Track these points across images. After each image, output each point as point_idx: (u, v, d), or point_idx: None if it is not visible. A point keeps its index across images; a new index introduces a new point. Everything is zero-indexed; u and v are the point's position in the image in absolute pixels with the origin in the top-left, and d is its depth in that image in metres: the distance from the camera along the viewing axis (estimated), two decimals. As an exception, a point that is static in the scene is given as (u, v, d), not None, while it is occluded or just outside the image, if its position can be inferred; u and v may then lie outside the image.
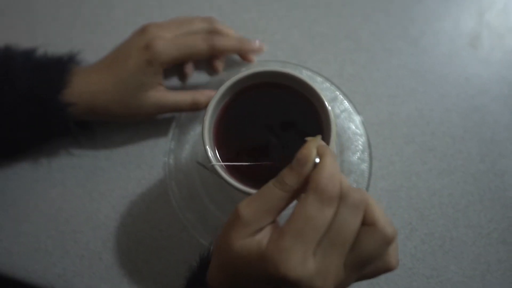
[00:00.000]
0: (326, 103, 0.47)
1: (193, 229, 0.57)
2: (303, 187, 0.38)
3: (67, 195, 0.62)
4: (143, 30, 0.59)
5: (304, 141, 0.40)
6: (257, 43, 0.62)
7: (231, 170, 0.49)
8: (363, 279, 0.40)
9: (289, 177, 0.38)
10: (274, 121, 0.50)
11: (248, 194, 0.46)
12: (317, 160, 0.39)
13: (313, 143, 0.39)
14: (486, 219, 0.59)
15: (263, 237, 0.38)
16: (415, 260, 0.58)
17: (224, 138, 0.50)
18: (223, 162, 0.49)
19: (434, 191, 0.60)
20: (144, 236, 0.60)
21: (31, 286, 0.59)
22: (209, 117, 0.48)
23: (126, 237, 0.60)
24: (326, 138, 0.47)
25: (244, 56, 0.63)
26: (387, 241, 0.38)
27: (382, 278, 0.58)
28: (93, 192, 0.62)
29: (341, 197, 0.37)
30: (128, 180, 0.62)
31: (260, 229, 0.38)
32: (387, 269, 0.39)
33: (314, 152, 0.39)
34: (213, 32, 0.61)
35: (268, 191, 0.39)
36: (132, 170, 0.62)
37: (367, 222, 0.38)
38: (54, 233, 0.60)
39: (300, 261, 0.36)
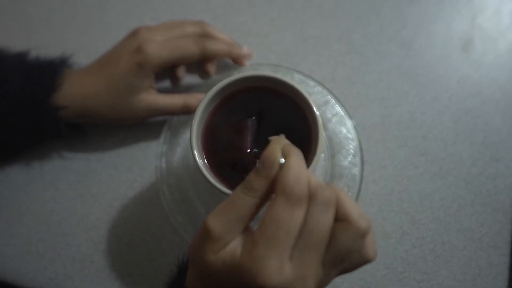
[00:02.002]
0: (314, 108, 0.47)
1: (184, 232, 0.57)
2: (272, 188, 0.38)
3: (58, 198, 0.62)
4: (134, 33, 0.59)
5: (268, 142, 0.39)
6: (245, 49, 0.63)
7: (219, 174, 0.49)
8: (343, 273, 0.39)
9: (257, 182, 0.37)
10: (263, 125, 0.50)
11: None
12: (283, 160, 0.38)
13: (277, 144, 0.38)
14: (477, 223, 0.59)
15: (236, 247, 0.37)
16: (406, 264, 0.58)
17: (213, 143, 0.49)
18: (210, 166, 0.49)
19: (426, 195, 0.60)
20: (136, 239, 0.60)
21: (22, 289, 0.59)
22: (197, 121, 0.48)
23: (117, 239, 0.60)
24: (314, 143, 0.47)
25: (235, 59, 0.63)
26: (361, 235, 0.37)
27: (373, 282, 0.58)
28: (85, 195, 0.62)
29: (311, 196, 0.36)
30: (119, 182, 0.62)
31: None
32: (366, 261, 0.39)
33: (279, 153, 0.38)
34: (204, 35, 0.61)
35: (237, 199, 0.37)
36: (124, 172, 0.62)
37: (340, 218, 0.37)
38: (46, 235, 0.61)
39: (276, 268, 0.35)
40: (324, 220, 0.36)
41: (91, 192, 0.62)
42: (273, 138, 0.39)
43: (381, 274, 0.58)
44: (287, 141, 0.39)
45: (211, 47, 0.59)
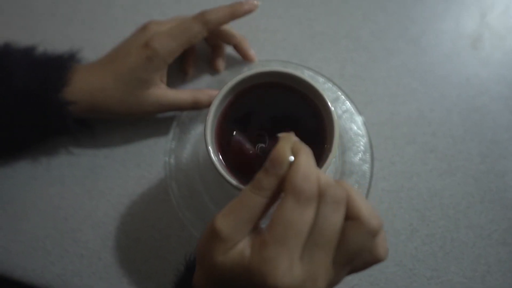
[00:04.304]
0: (329, 104, 0.47)
1: (192, 228, 0.56)
2: (281, 187, 0.37)
3: (66, 194, 0.61)
4: (144, 28, 0.59)
5: (277, 139, 0.38)
6: (248, 2, 0.60)
7: (232, 171, 0.48)
8: (353, 272, 0.39)
9: (266, 181, 0.37)
10: (276, 121, 0.50)
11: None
12: (292, 158, 0.37)
13: (286, 142, 0.38)
14: (486, 220, 0.59)
15: (244, 247, 0.36)
16: (415, 261, 0.58)
17: (226, 139, 0.49)
18: (224, 162, 0.48)
19: (435, 192, 0.60)
20: (144, 235, 0.60)
21: (30, 286, 0.59)
22: (211, 117, 0.47)
23: (125, 236, 0.60)
24: (330, 139, 0.46)
25: (245, 55, 0.63)
26: (373, 233, 0.36)
27: (382, 279, 0.58)
28: (92, 191, 0.61)
29: (320, 195, 0.36)
30: (127, 178, 0.62)
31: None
32: (376, 260, 0.38)
33: (288, 151, 0.37)
34: (202, 11, 0.58)
35: (246, 198, 0.37)
36: (132, 169, 0.62)
37: (350, 216, 0.36)
38: (53, 232, 0.60)
39: (287, 269, 0.34)
40: (334, 219, 0.36)
41: (98, 188, 0.61)
42: (282, 135, 0.39)
43: (390, 271, 0.58)
44: (296, 139, 0.39)
45: (212, 16, 0.57)
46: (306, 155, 0.37)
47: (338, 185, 0.36)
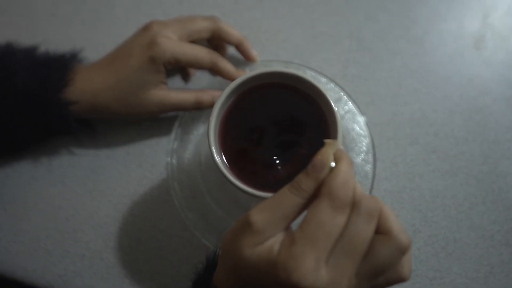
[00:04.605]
0: (333, 104, 0.47)
1: (194, 229, 0.56)
2: (317, 191, 0.38)
3: (67, 194, 0.61)
4: (146, 28, 0.58)
5: (322, 143, 0.40)
6: (254, 52, 0.63)
7: (235, 171, 0.48)
8: None
9: (306, 183, 0.38)
10: (279, 122, 0.49)
11: (256, 196, 0.45)
12: (333, 164, 0.38)
13: (331, 148, 0.39)
14: (489, 221, 0.59)
15: (274, 243, 0.37)
16: (418, 262, 0.58)
17: (230, 139, 0.49)
18: (227, 162, 0.48)
19: (437, 192, 0.60)
20: (145, 236, 0.59)
21: (31, 286, 0.58)
22: (214, 117, 0.47)
23: (127, 236, 0.60)
24: (333, 139, 0.46)
25: (247, 55, 0.63)
26: (402, 251, 0.37)
27: (385, 279, 0.58)
28: (94, 191, 0.61)
29: (354, 205, 0.37)
30: (129, 179, 0.61)
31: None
32: (400, 280, 0.39)
33: (331, 157, 0.38)
34: (218, 54, 0.59)
35: (283, 197, 0.38)
36: (134, 169, 0.62)
37: (381, 231, 0.37)
38: (54, 232, 0.60)
39: (312, 268, 0.35)
40: (365, 230, 0.36)
41: (100, 188, 0.61)
42: (328, 141, 0.40)
43: (393, 272, 0.58)
44: (340, 146, 0.40)
45: (221, 65, 0.58)
46: (347, 163, 0.38)
47: (372, 198, 0.37)
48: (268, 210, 0.37)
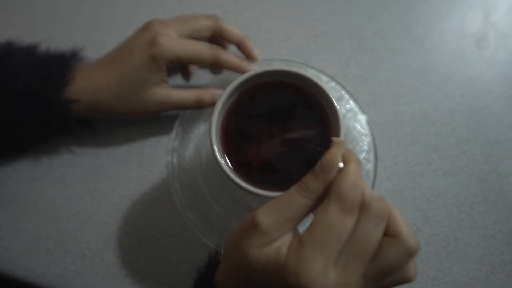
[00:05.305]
0: (335, 103, 0.46)
1: (195, 228, 0.56)
2: (326, 193, 0.37)
3: (67, 194, 0.61)
4: (147, 27, 0.58)
5: (330, 142, 0.39)
6: (255, 51, 0.62)
7: (236, 169, 0.48)
8: None
9: (313, 184, 0.37)
10: (281, 120, 0.49)
11: (259, 195, 0.45)
12: (341, 165, 0.37)
13: (339, 148, 0.38)
14: (490, 220, 0.59)
15: (281, 245, 0.37)
16: (419, 261, 0.58)
17: (231, 138, 0.49)
18: (229, 161, 0.48)
19: (439, 192, 0.60)
20: (146, 235, 0.59)
21: (31, 286, 0.58)
22: (216, 116, 0.47)
23: (127, 236, 0.59)
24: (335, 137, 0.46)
25: (248, 54, 0.63)
26: (410, 254, 0.37)
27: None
28: (94, 191, 0.61)
29: (363, 207, 0.36)
30: (129, 178, 0.61)
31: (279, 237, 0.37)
32: (406, 281, 0.38)
33: (340, 157, 0.38)
34: (219, 48, 0.59)
35: (291, 198, 0.37)
36: (134, 168, 0.62)
37: (390, 233, 0.37)
38: (55, 232, 0.60)
39: (321, 271, 0.35)
40: (374, 232, 0.36)
41: (100, 188, 0.61)
42: (335, 140, 0.39)
43: (394, 271, 0.58)
44: (349, 146, 0.39)
45: (224, 57, 0.58)
46: (356, 164, 0.37)
47: (381, 201, 0.37)
48: (276, 211, 0.37)
